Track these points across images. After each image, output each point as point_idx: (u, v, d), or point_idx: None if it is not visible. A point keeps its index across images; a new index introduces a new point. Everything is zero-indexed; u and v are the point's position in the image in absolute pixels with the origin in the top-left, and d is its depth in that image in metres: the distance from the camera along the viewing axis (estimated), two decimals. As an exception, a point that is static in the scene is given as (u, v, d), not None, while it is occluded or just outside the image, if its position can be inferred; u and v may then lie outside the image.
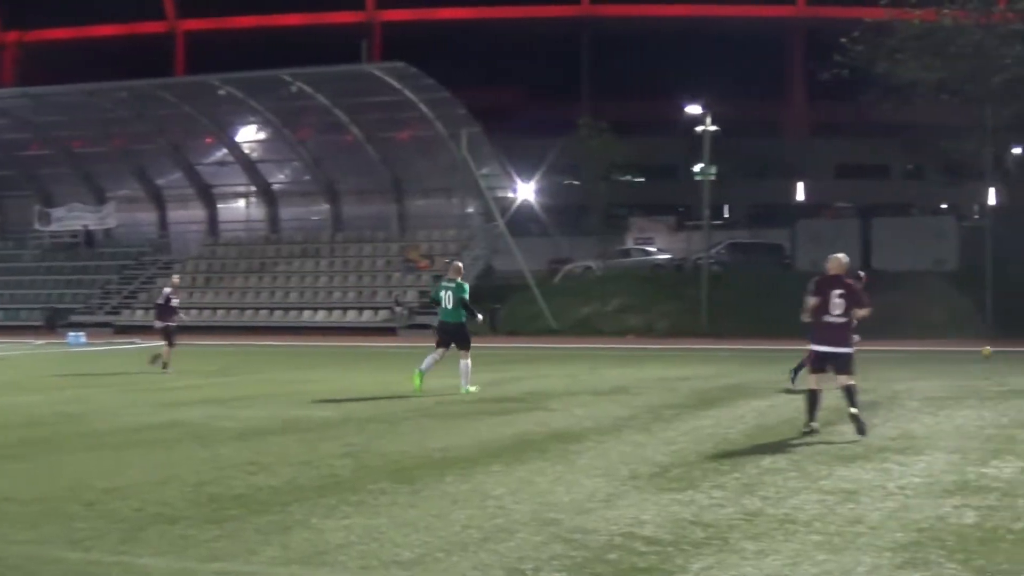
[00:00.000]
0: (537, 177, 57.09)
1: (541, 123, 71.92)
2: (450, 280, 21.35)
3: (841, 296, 14.29)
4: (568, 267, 57.75)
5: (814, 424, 14.48)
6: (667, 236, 67.18)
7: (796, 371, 20.28)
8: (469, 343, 21.16)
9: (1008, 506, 9.87)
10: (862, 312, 14.58)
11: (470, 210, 57.57)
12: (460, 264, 22.66)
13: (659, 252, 61.31)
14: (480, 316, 23.25)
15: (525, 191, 56.35)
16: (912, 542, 8.49)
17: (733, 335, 42.15)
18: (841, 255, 14.84)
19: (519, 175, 56.12)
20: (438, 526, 9.01)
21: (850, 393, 14.39)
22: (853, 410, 14.34)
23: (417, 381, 20.91)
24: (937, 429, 15.23)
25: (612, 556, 8.04)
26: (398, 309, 50.88)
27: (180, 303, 30.95)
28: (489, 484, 10.95)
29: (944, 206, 69.93)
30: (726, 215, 75.35)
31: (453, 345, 21.20)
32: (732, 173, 64.22)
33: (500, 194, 55.27)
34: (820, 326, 14.52)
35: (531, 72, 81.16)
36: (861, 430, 14.19)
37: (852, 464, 12.12)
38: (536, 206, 57.33)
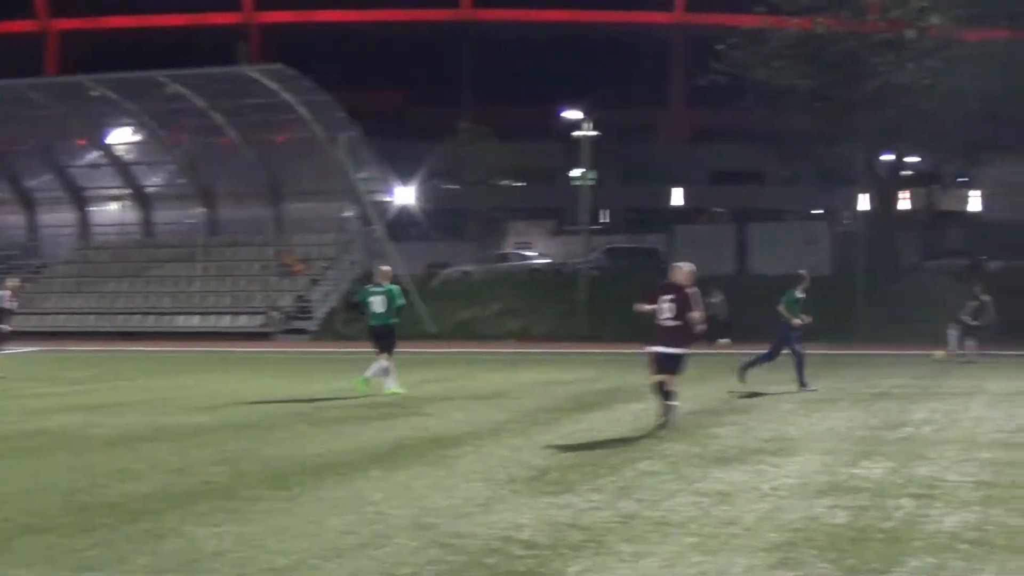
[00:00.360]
0: (416, 181, 56.96)
1: (422, 127, 71.69)
2: (378, 285, 21.79)
3: (671, 301, 15.37)
4: (446, 271, 57.63)
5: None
6: (546, 240, 67.50)
7: (745, 368, 21.85)
8: (393, 347, 21.52)
9: (878, 506, 10.06)
10: (696, 316, 15.44)
11: (348, 214, 57.14)
12: (389, 268, 23.00)
13: (538, 256, 61.54)
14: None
15: (404, 195, 56.19)
16: (785, 542, 8.61)
17: (611, 339, 42.36)
18: (685, 264, 16.01)
19: (399, 179, 55.94)
20: (315, 532, 8.93)
21: (666, 395, 15.50)
22: (664, 418, 15.45)
23: (391, 389, 21.15)
24: (810, 431, 15.48)
25: (489, 560, 8.03)
26: (273, 314, 50.39)
27: (18, 307, 30.17)
28: (367, 490, 10.89)
29: (817, 212, 71.16)
30: (605, 220, 75.84)
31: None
32: (611, 178, 64.66)
33: (378, 198, 55.02)
34: (655, 329, 15.59)
35: (412, 75, 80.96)
36: (663, 427, 15.28)
37: (727, 466, 12.26)
38: (415, 210, 57.20)
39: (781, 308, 21.73)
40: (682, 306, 15.33)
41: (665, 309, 15.37)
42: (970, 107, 44.90)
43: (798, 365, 21.72)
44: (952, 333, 31.08)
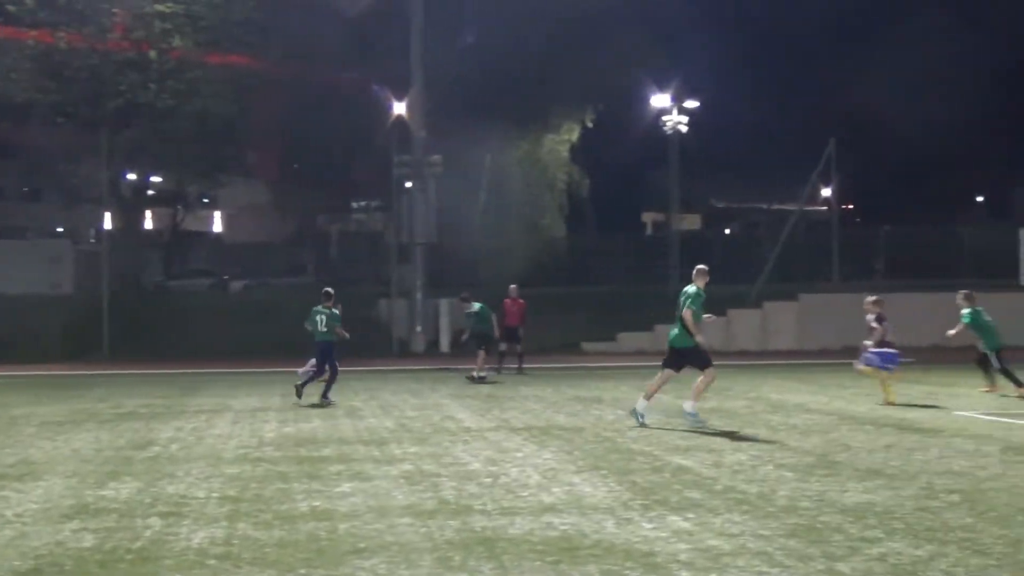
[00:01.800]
0: None
1: None
2: None
3: None
4: None
5: None
6: None
7: (302, 387, 21.88)
8: None
9: (126, 527, 10.07)
10: None
11: None
12: None
13: None
14: None
15: None
16: (31, 569, 8.44)
17: None
18: None
19: None
20: None
21: None
22: None
23: None
24: (56, 454, 15.16)
25: None
26: None
27: None
28: None
29: (60, 230, 69.85)
30: None
31: None
32: None
33: None
34: None
35: None
36: None
37: (-33, 495, 11.75)
38: None
39: (308, 326, 22.18)
40: None
41: None
42: (212, 129, 46.15)
43: (328, 379, 22.05)
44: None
